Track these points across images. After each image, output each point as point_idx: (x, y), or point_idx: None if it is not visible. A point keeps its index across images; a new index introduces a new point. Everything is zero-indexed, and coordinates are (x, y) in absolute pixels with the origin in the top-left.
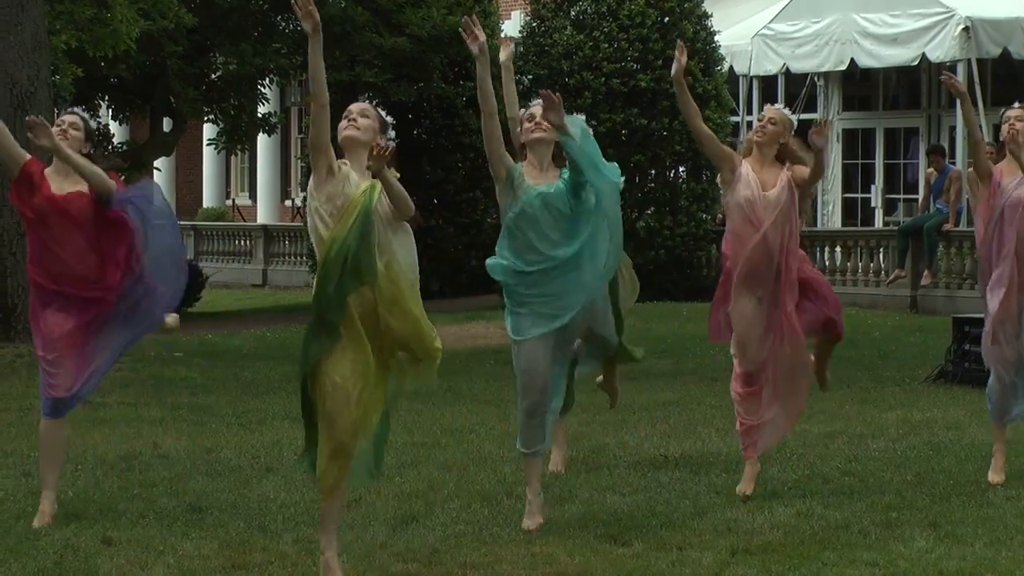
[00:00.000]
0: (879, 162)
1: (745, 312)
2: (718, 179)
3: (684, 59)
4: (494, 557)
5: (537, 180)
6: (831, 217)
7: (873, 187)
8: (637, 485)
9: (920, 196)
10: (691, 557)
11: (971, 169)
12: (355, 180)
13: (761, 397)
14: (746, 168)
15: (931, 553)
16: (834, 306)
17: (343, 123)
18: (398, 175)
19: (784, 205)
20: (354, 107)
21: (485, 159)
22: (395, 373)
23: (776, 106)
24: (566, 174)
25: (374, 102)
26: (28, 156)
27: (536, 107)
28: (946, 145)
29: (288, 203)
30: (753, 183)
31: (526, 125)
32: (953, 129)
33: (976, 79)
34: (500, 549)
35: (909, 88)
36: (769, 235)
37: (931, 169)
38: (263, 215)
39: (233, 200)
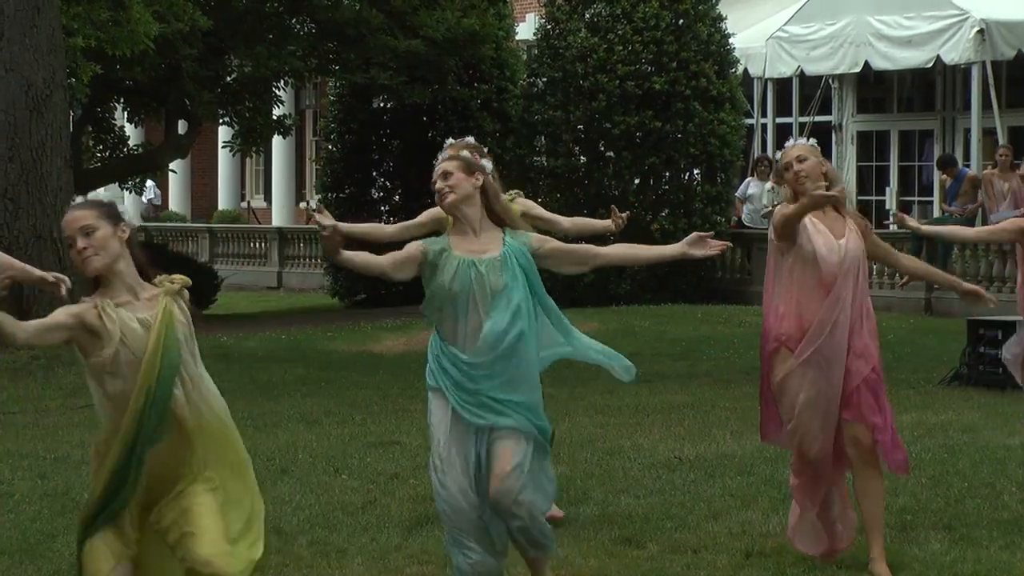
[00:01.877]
0: (893, 164)
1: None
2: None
3: None
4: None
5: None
6: None
7: (887, 189)
8: (651, 487)
9: (935, 200)
10: (706, 559)
11: (986, 171)
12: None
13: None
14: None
15: (946, 556)
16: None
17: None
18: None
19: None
20: None
21: (500, 161)
22: None
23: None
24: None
25: (388, 104)
26: None
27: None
28: (960, 147)
29: (303, 205)
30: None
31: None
32: (968, 132)
33: (991, 81)
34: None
35: (923, 90)
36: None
37: (945, 176)
38: (278, 218)
39: (248, 202)
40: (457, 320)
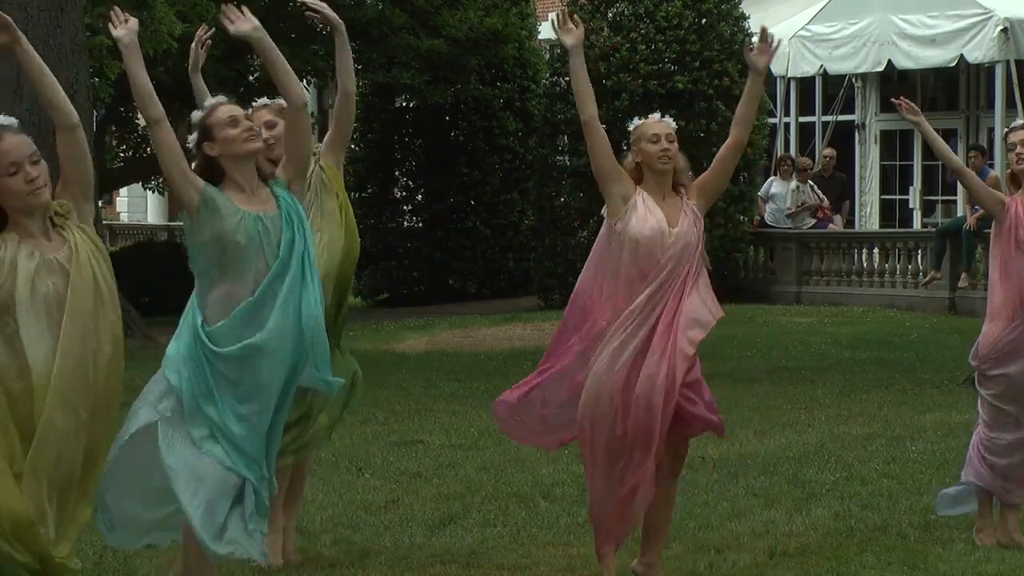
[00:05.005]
0: (917, 164)
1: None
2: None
3: (580, 28)
4: (531, 559)
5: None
6: (869, 219)
7: (911, 189)
8: None
9: (959, 199)
10: (729, 559)
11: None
12: None
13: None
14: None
15: (970, 556)
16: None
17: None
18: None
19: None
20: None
21: (522, 161)
22: None
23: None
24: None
25: (410, 103)
26: None
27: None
28: (984, 146)
29: None
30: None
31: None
32: (992, 131)
33: (1015, 80)
34: (537, 551)
35: (947, 89)
36: None
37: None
38: None
39: None
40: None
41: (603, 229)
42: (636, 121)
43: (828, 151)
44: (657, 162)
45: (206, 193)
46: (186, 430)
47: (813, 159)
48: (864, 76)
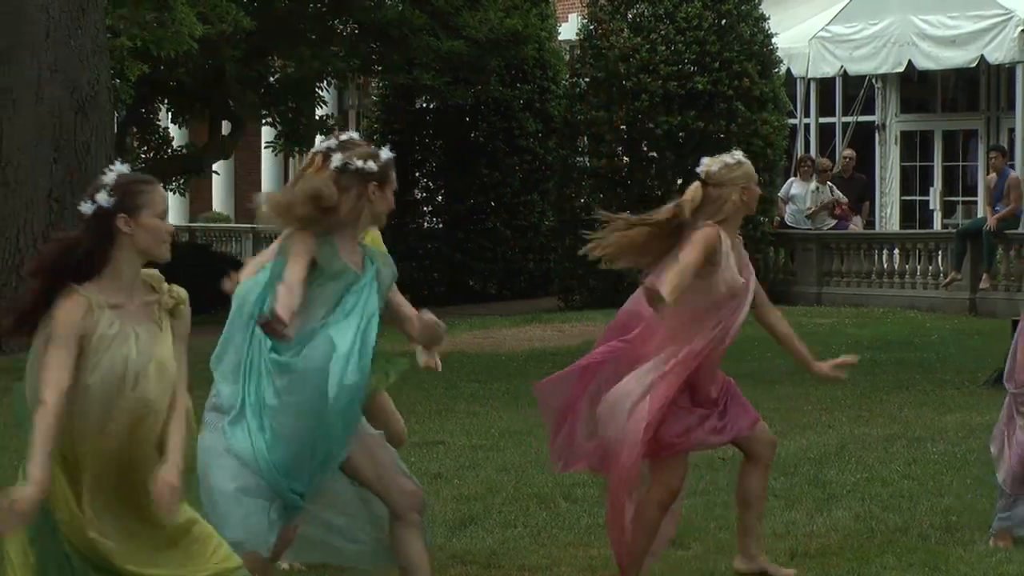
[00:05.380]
0: (937, 164)
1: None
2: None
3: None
4: (552, 560)
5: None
6: (889, 220)
7: (932, 189)
8: (695, 488)
9: (980, 200)
10: None
11: None
12: None
13: None
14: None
15: (991, 557)
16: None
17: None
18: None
19: None
20: None
21: (542, 162)
22: None
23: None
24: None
25: (431, 104)
26: None
27: None
28: (1005, 147)
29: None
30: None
31: None
32: (1012, 131)
33: None
34: (558, 551)
35: (967, 90)
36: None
37: (991, 175)
38: None
39: None
40: None
41: None
42: (739, 156)
43: (848, 152)
44: (754, 206)
45: (321, 255)
46: (223, 428)
47: (833, 160)
48: (884, 77)
